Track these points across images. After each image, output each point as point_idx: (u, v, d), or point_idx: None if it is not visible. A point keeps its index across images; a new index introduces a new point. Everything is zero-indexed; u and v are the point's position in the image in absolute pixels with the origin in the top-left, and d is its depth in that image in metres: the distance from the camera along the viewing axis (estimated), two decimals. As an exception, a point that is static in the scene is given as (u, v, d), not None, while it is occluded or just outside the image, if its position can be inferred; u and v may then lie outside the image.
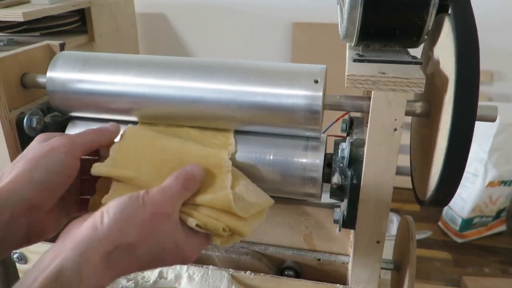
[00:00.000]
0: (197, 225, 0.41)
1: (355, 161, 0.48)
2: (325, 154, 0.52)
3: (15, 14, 1.23)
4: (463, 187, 1.59)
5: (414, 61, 0.43)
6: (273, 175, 0.53)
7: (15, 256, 0.60)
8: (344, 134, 0.55)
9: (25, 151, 0.42)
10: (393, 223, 1.62)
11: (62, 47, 0.61)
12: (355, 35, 0.44)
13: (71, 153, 0.41)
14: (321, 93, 0.48)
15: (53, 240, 0.45)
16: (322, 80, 0.48)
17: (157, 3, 2.05)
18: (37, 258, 0.59)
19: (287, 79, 0.49)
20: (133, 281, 0.54)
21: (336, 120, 0.56)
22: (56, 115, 0.60)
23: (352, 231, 0.53)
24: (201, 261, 0.59)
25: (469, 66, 0.39)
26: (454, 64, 0.40)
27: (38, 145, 0.42)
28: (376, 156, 0.44)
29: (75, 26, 1.49)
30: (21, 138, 0.56)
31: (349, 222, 0.50)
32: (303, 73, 0.49)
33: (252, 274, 0.52)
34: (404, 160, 0.63)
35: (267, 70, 0.51)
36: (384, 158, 0.44)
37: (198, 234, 0.41)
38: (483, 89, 1.85)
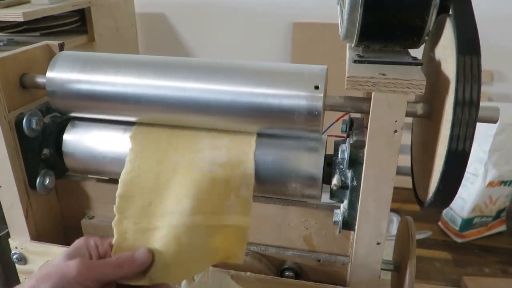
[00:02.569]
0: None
1: (355, 162, 0.48)
2: (325, 155, 0.52)
3: (15, 14, 1.23)
4: (463, 187, 1.59)
5: (414, 62, 0.43)
6: (273, 176, 0.52)
7: (14, 256, 0.60)
8: (344, 135, 0.55)
9: (47, 266, 0.45)
10: (393, 223, 1.62)
11: (61, 47, 0.61)
12: (355, 36, 0.44)
13: (85, 283, 0.43)
14: (321, 94, 0.48)
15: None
16: (323, 83, 0.48)
17: (157, 3, 2.05)
18: (37, 259, 0.59)
19: (288, 79, 0.49)
20: (132, 282, 0.53)
21: (336, 120, 0.56)
22: (55, 115, 0.60)
23: (352, 232, 0.53)
24: (201, 262, 0.59)
25: (470, 67, 0.39)
26: (455, 64, 0.40)
27: (58, 264, 0.44)
28: (376, 158, 0.44)
29: (75, 26, 1.49)
30: (20, 139, 0.56)
31: (349, 223, 0.50)
32: (304, 73, 0.49)
33: (252, 274, 0.52)
34: (404, 160, 0.62)
35: (267, 70, 0.50)
36: (384, 159, 0.44)
37: None
38: (483, 89, 1.85)
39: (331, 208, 0.56)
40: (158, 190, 0.51)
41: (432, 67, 0.49)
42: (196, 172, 0.50)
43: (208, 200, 0.49)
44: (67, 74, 0.54)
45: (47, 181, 0.59)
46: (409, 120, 0.51)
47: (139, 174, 0.51)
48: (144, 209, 0.50)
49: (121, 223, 0.50)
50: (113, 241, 0.49)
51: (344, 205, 0.51)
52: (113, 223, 0.50)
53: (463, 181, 0.42)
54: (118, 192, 0.51)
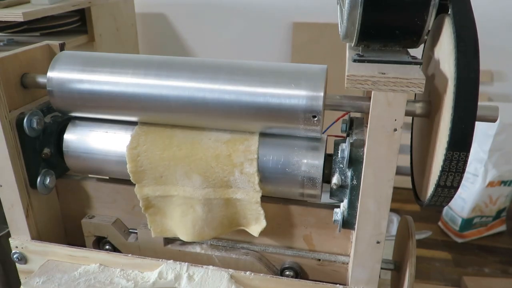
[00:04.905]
0: None
1: (355, 161, 0.48)
2: (325, 155, 0.52)
3: (15, 14, 1.22)
4: (463, 187, 1.59)
5: (414, 61, 0.43)
6: (273, 175, 0.53)
7: (15, 256, 0.60)
8: (344, 135, 0.55)
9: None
10: (393, 223, 1.62)
11: (62, 47, 0.61)
12: (355, 35, 0.44)
13: None
14: (321, 94, 0.48)
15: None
16: (323, 83, 0.48)
17: (157, 3, 2.05)
18: (37, 258, 0.59)
19: (288, 79, 0.49)
20: (132, 281, 0.54)
21: (336, 120, 0.56)
22: (56, 115, 0.60)
23: (352, 231, 0.53)
24: (201, 261, 0.59)
25: (469, 66, 0.39)
26: (454, 64, 0.40)
27: None
28: (376, 157, 0.44)
29: (75, 26, 1.49)
30: (21, 138, 0.56)
31: (349, 222, 0.51)
32: (304, 73, 0.49)
33: (252, 274, 0.52)
34: (404, 160, 0.62)
35: (267, 70, 0.51)
36: (384, 158, 0.44)
37: None
38: (483, 89, 1.85)
39: (331, 207, 0.56)
40: (165, 165, 0.53)
41: (431, 66, 0.49)
42: (200, 148, 0.53)
43: (214, 175, 0.52)
44: (67, 74, 0.54)
45: (48, 180, 0.60)
46: (409, 119, 0.52)
47: (144, 149, 0.54)
48: (157, 180, 0.54)
49: (142, 190, 0.56)
50: (140, 205, 0.56)
51: (344, 204, 0.51)
52: (135, 190, 0.56)
53: (463, 181, 0.42)
54: (128, 168, 0.54)
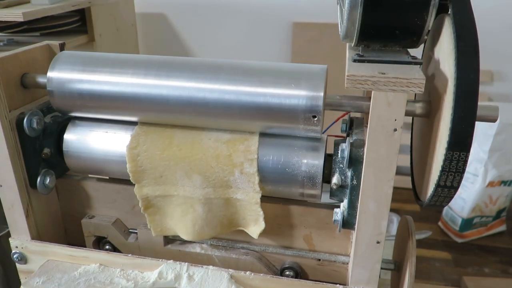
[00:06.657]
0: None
1: (355, 161, 0.48)
2: (325, 155, 0.52)
3: (15, 14, 1.22)
4: (463, 187, 1.59)
5: (414, 61, 0.43)
6: (273, 175, 0.53)
7: (15, 256, 0.60)
8: (344, 135, 0.55)
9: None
10: (393, 223, 1.62)
11: (62, 47, 0.61)
12: (355, 35, 0.44)
13: None
14: (321, 94, 0.48)
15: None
16: (323, 83, 0.48)
17: (157, 3, 2.05)
18: (37, 258, 0.59)
19: (288, 79, 0.49)
20: (132, 281, 0.54)
21: (336, 120, 0.56)
22: (56, 115, 0.60)
23: (352, 231, 0.53)
24: (201, 261, 0.59)
25: (469, 66, 0.39)
26: (453, 64, 0.40)
27: None
28: (376, 157, 0.44)
29: (75, 26, 1.49)
30: (21, 138, 0.56)
31: (349, 222, 0.51)
32: (304, 73, 0.49)
33: (252, 274, 0.52)
34: (404, 160, 0.63)
35: (267, 70, 0.51)
36: (384, 158, 0.44)
37: None
38: (483, 89, 1.85)
39: (331, 207, 0.56)
40: (165, 164, 0.53)
41: (431, 66, 0.49)
42: (200, 148, 0.53)
43: (214, 175, 0.52)
44: (67, 73, 0.54)
45: (48, 180, 0.60)
46: (409, 119, 0.52)
47: (144, 149, 0.54)
48: (157, 180, 0.54)
49: (141, 190, 0.56)
50: (140, 204, 0.56)
51: (344, 204, 0.51)
52: (134, 190, 0.56)
53: (463, 181, 0.42)
54: (128, 168, 0.54)
